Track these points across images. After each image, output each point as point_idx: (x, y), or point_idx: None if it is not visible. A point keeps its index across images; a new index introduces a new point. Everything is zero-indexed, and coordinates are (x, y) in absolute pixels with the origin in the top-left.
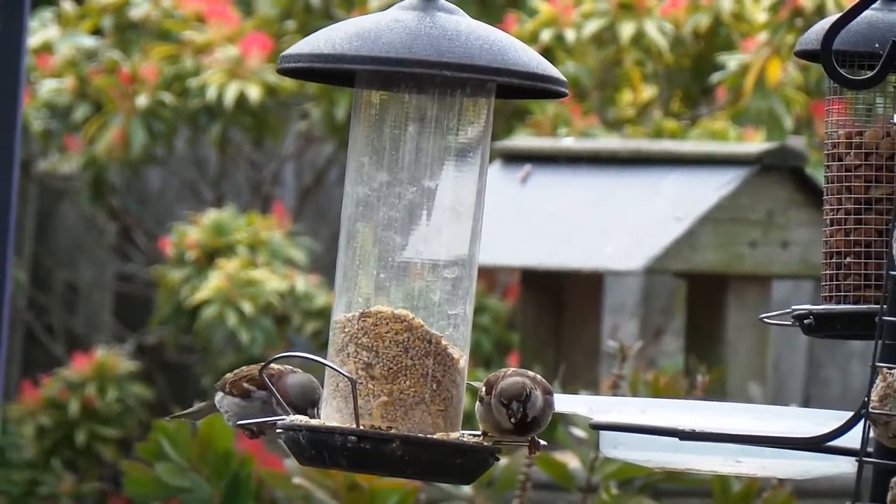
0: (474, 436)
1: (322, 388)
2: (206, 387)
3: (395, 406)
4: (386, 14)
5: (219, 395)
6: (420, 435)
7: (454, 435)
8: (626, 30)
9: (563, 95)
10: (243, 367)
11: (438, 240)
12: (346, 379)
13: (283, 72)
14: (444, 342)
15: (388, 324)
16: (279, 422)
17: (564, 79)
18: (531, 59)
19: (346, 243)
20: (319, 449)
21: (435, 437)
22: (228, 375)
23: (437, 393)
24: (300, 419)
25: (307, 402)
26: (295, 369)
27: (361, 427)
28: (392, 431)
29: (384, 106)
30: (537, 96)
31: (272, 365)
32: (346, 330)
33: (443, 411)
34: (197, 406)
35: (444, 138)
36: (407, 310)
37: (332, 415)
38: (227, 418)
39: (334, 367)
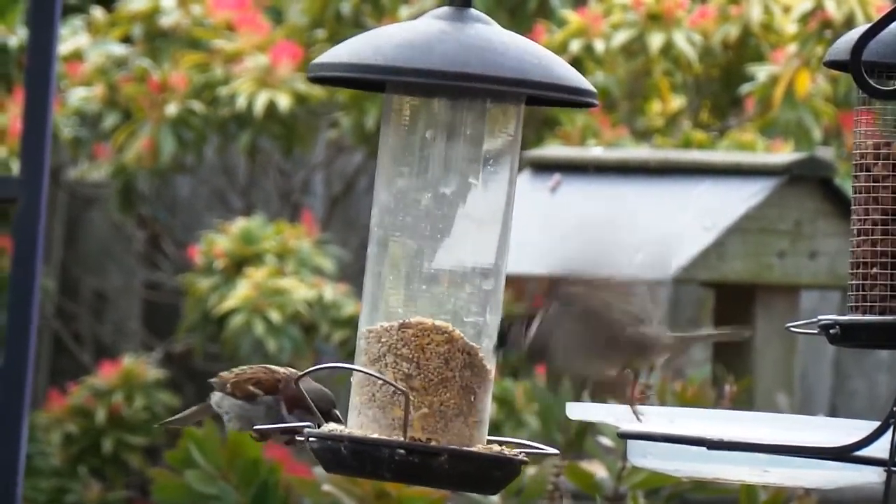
0: (500, 443)
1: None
2: None
3: (435, 418)
4: (421, 24)
5: (217, 396)
6: (466, 449)
7: (495, 448)
8: (656, 41)
9: (592, 106)
10: (245, 368)
11: (470, 248)
12: (382, 389)
13: (317, 80)
14: (480, 353)
15: (429, 335)
16: (315, 430)
17: (595, 91)
18: (566, 72)
19: (376, 252)
20: (363, 460)
21: (479, 450)
22: (228, 375)
23: (473, 405)
24: (339, 428)
25: (328, 404)
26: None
27: (409, 440)
28: (440, 445)
29: (415, 113)
30: (568, 105)
31: (278, 370)
32: (382, 340)
33: (477, 423)
34: (189, 410)
35: (474, 146)
36: (446, 320)
37: (367, 425)
38: (228, 419)
39: (387, 380)
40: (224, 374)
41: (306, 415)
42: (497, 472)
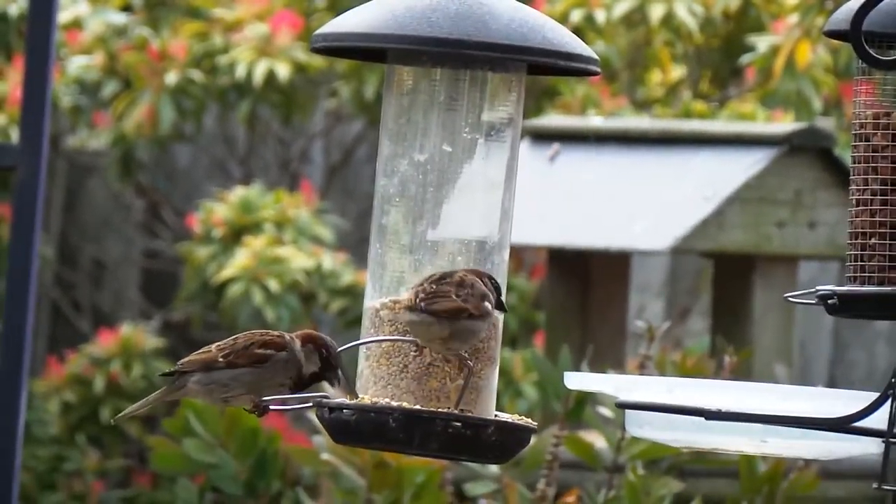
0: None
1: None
2: None
3: (468, 389)
4: None
5: (199, 376)
6: (507, 420)
7: (516, 417)
8: (657, 11)
9: (595, 74)
10: (219, 344)
11: (476, 219)
12: (416, 360)
13: (319, 50)
14: (499, 324)
15: None
16: (350, 402)
17: (598, 58)
18: (568, 40)
19: (381, 224)
20: (412, 433)
21: (517, 421)
22: (197, 356)
23: (493, 375)
24: (385, 401)
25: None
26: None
27: (463, 412)
28: (487, 417)
29: (417, 83)
30: (570, 74)
31: (272, 334)
32: None
33: (493, 393)
34: (146, 399)
35: (477, 115)
36: None
37: (400, 396)
38: (225, 392)
39: (465, 355)
40: (194, 357)
41: (323, 361)
42: (526, 442)
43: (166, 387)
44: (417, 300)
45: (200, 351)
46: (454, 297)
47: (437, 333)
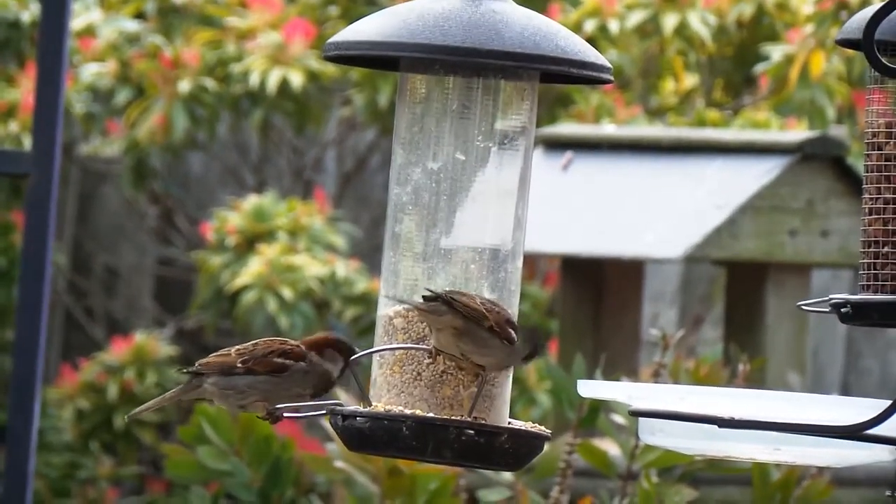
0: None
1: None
2: None
3: (482, 397)
4: (436, 1)
5: (215, 378)
6: (521, 428)
7: (529, 425)
8: (670, 21)
9: (608, 82)
10: (238, 348)
11: (489, 227)
12: (430, 368)
13: (332, 59)
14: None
15: None
16: (364, 409)
17: (611, 66)
18: (581, 48)
19: (394, 232)
20: (425, 440)
21: (530, 429)
22: (216, 359)
23: (508, 383)
24: (398, 409)
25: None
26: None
27: (476, 419)
28: (500, 425)
29: (430, 91)
30: (583, 82)
31: (291, 343)
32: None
33: (507, 401)
34: (159, 398)
35: (490, 124)
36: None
37: (414, 404)
38: (241, 397)
39: (470, 358)
40: (212, 358)
41: (346, 359)
42: (539, 448)
43: (182, 385)
44: (442, 292)
45: (219, 353)
46: (478, 302)
47: (449, 322)
